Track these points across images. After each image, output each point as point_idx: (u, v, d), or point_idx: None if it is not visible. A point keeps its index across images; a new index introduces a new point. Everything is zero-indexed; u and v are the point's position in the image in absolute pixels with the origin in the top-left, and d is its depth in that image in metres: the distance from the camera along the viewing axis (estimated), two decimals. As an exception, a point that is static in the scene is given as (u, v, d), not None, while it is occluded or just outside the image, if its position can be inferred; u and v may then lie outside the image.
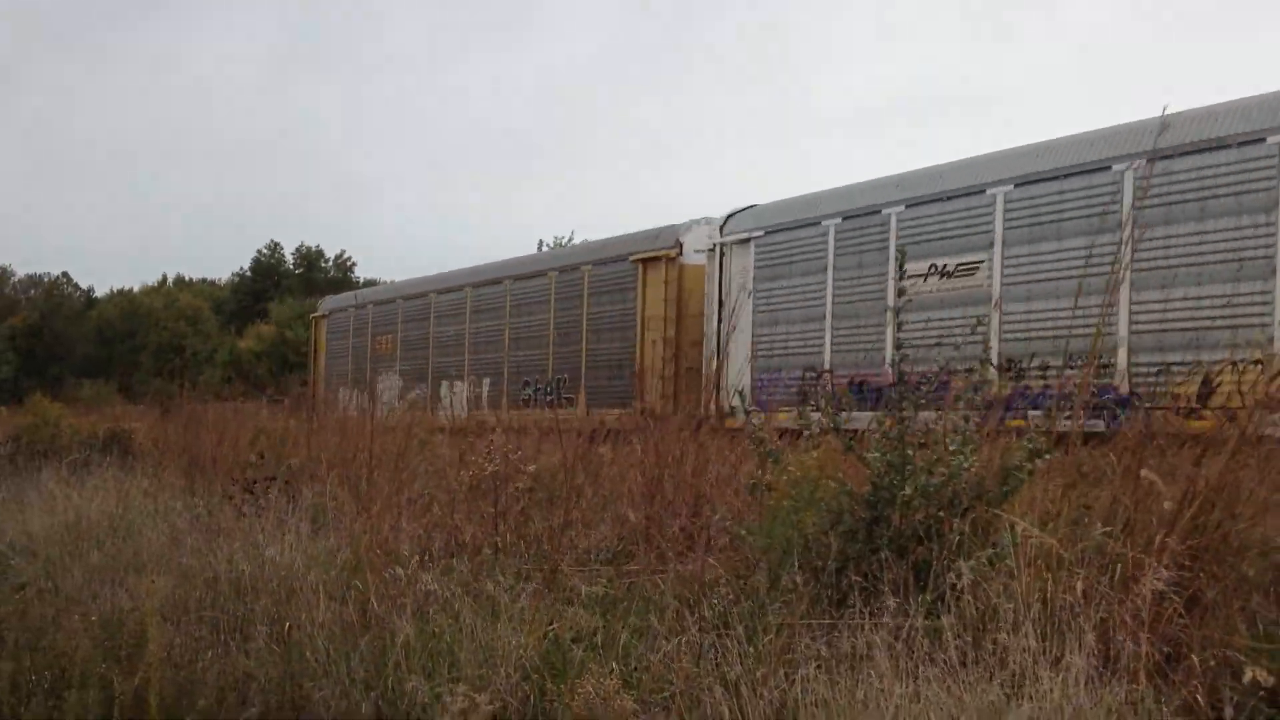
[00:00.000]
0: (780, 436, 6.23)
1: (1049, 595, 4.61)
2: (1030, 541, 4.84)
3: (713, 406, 14.75)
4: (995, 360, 13.64)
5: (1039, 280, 13.90)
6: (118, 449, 15.62)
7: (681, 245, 20.04)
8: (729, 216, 19.04)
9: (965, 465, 5.25)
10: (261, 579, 7.07)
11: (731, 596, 5.56)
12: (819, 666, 4.76)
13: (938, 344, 13.59)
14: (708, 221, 19.74)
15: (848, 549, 5.47)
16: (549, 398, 22.25)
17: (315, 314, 33.56)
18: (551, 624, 5.80)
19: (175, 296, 71.39)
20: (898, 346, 6.10)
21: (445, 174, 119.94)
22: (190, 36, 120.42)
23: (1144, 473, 4.98)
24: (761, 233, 18.22)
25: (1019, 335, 13.97)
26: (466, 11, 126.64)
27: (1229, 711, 4.16)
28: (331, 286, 67.65)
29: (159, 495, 10.68)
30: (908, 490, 5.22)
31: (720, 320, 18.41)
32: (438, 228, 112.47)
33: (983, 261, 14.57)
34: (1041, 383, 13.03)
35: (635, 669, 5.26)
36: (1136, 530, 4.94)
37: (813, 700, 4.61)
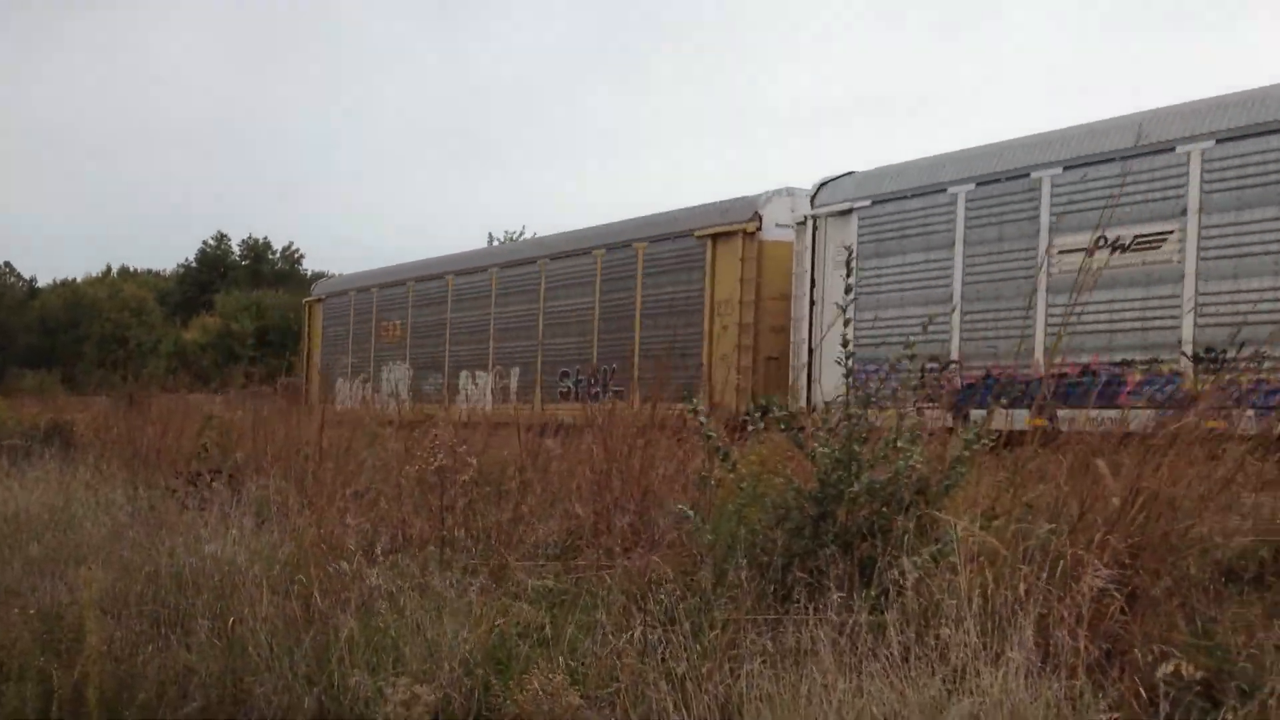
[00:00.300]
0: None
1: (990, 592, 4.66)
2: (972, 538, 4.88)
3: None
4: (1187, 348, 12.21)
5: (1251, 254, 11.81)
6: (59, 440, 15.39)
7: (760, 218, 17.66)
8: (821, 185, 16.78)
9: (910, 462, 5.28)
10: (203, 573, 6.99)
11: (678, 592, 5.57)
12: (764, 662, 4.78)
13: (1108, 330, 12.67)
14: (790, 193, 17.64)
15: (794, 545, 5.49)
16: (593, 389, 19.74)
17: (309, 298, 31.16)
18: (498, 619, 5.78)
19: (119, 287, 70.36)
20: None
21: (397, 168, 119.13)
22: (137, 21, 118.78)
23: (1098, 462, 5.05)
24: (867, 202, 15.97)
25: (1221, 319, 11.92)
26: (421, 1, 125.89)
27: (1164, 707, 4.21)
28: (278, 279, 67.02)
29: (100, 488, 10.53)
30: (856, 487, 5.24)
31: (814, 303, 16.35)
32: (388, 222, 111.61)
33: (1171, 232, 12.48)
34: (1255, 377, 11.24)
35: (581, 664, 5.26)
36: (1080, 528, 5.00)
37: (757, 695, 4.63)
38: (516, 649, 5.53)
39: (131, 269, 79.89)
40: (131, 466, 11.75)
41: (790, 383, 16.21)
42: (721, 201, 18.81)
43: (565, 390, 20.73)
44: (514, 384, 22.04)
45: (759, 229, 17.70)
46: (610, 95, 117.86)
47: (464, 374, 23.45)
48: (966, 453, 5.37)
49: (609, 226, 21.20)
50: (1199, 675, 4.20)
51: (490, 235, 45.42)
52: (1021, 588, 4.64)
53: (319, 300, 30.32)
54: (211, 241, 74.38)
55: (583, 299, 20.87)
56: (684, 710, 4.67)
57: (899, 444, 5.34)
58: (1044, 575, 4.70)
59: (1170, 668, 4.22)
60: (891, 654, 4.56)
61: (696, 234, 18.64)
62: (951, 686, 4.38)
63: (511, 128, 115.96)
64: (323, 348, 29.41)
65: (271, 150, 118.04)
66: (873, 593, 5.02)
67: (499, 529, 7.15)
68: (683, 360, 17.88)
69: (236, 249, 74.64)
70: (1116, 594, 4.67)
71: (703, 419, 5.92)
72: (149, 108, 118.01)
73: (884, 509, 5.34)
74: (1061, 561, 4.76)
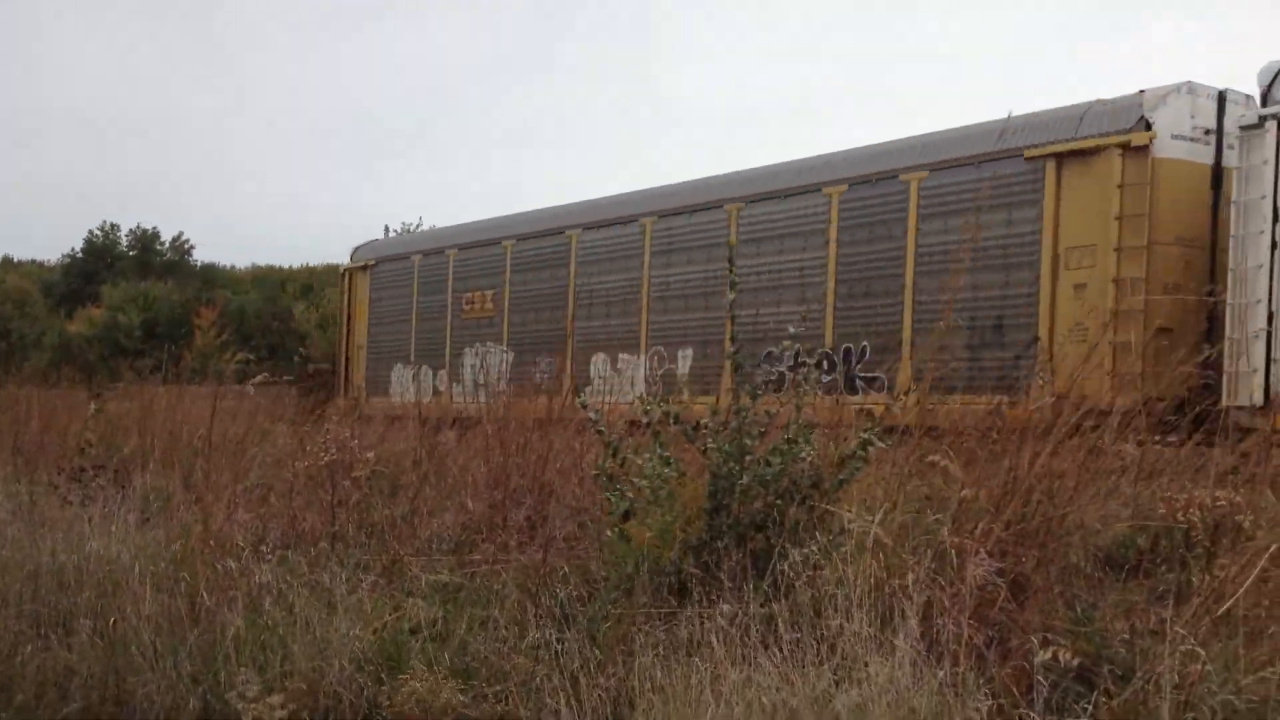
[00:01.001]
0: None
1: (880, 582, 4.73)
2: (861, 530, 4.95)
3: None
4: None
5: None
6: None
7: (1151, 127, 12.57)
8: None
9: (802, 454, 5.34)
10: (85, 571, 6.80)
11: (574, 588, 5.57)
12: (658, 655, 4.80)
13: None
14: (1191, 90, 12.79)
15: (689, 539, 5.51)
16: (826, 376, 14.08)
17: (350, 265, 24.78)
18: (391, 615, 5.72)
19: (1, 278, 68.10)
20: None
21: (293, 158, 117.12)
22: (19, 4, 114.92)
23: (939, 459, 5.16)
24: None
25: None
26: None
27: (1040, 691, 4.31)
28: (167, 270, 65.37)
29: (-22, 484, 10.17)
30: (745, 480, 5.28)
31: (1276, 245, 11.19)
32: (284, 213, 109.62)
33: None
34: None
35: (473, 660, 5.23)
36: (964, 518, 5.10)
37: (650, 688, 4.64)
38: (408, 646, 5.48)
39: (14, 259, 77.36)
40: (14, 462, 11.38)
41: (1225, 365, 11.31)
42: (1069, 107, 13.73)
43: (778, 378, 14.60)
44: (684, 368, 16.95)
45: (1150, 143, 12.55)
46: (518, 89, 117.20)
47: (598, 357, 18.42)
48: (862, 450, 5.44)
49: (848, 154, 16.09)
50: (1075, 661, 4.31)
51: (386, 228, 44.57)
52: (909, 578, 4.72)
53: (364, 267, 24.17)
54: (99, 231, 72.35)
55: (805, 254, 15.58)
56: (576, 705, 4.66)
57: (790, 438, 5.40)
58: (930, 565, 4.79)
59: (1048, 654, 4.33)
60: (782, 645, 4.60)
61: (1028, 154, 13.54)
62: (840, 676, 4.44)
63: (416, 120, 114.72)
64: (370, 326, 23.74)
65: (164, 140, 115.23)
66: (765, 585, 5.07)
67: (393, 524, 7.07)
68: (996, 335, 13.51)
69: (125, 239, 72.71)
70: (1000, 582, 4.77)
71: (593, 414, 5.91)
72: (33, 95, 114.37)
73: (778, 501, 5.40)
74: (947, 551, 4.86)
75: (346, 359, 23.90)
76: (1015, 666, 4.49)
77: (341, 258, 26.35)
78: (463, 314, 21.52)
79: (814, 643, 4.61)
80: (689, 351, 17.02)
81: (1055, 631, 4.72)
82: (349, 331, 24.15)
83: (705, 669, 4.59)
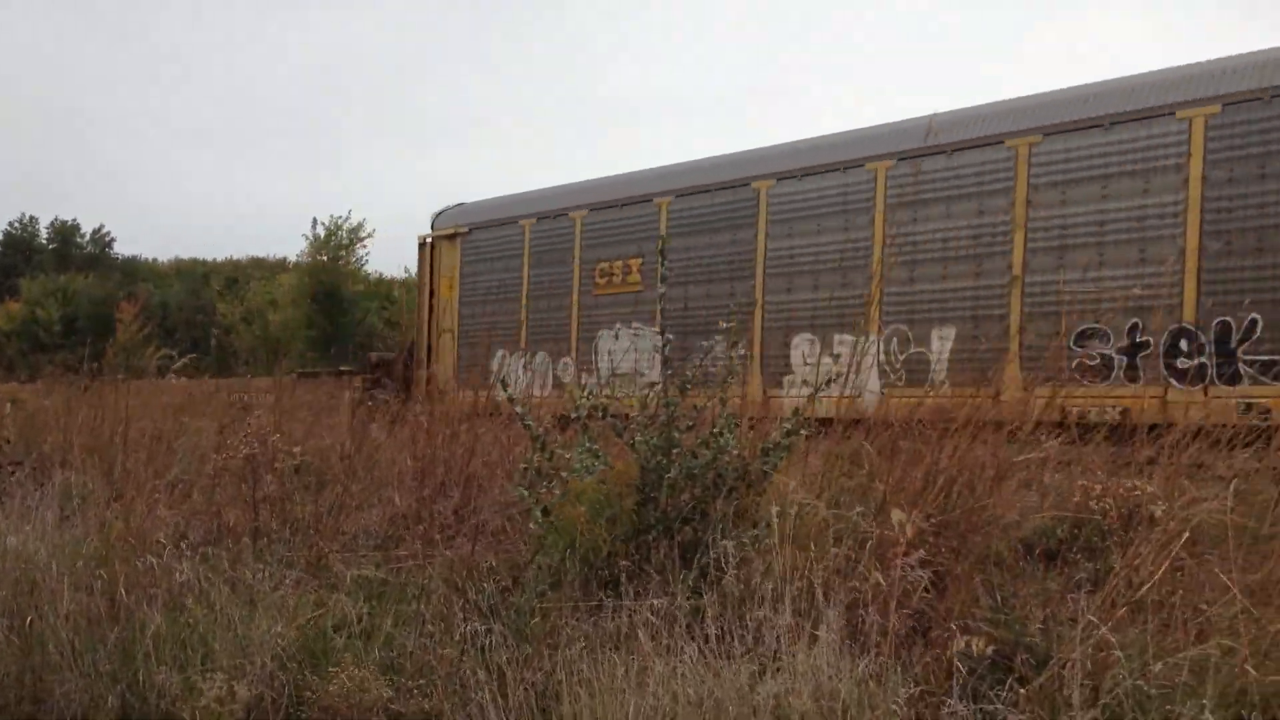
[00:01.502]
0: None
1: (805, 573, 4.78)
2: (788, 521, 5.00)
3: None
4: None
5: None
6: None
7: None
8: None
9: (728, 447, 5.38)
10: (2, 570, 6.67)
11: (501, 582, 5.56)
12: (585, 648, 4.82)
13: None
14: None
15: (618, 532, 5.53)
16: (1184, 360, 11.55)
17: (435, 234, 20.48)
18: (315, 612, 5.68)
19: (-84, 273, 66.37)
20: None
21: (216, 150, 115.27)
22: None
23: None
24: None
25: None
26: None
27: (958, 678, 4.39)
28: (88, 263, 64.06)
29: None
30: (674, 472, 5.32)
31: None
32: (207, 205, 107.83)
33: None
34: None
35: (398, 655, 5.21)
36: (888, 509, 5.17)
37: (577, 680, 4.66)
38: (332, 642, 5.44)
39: (-70, 254, 75.42)
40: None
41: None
42: None
43: (1103, 362, 12.01)
44: (940, 351, 13.50)
45: None
46: (447, 78, 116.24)
47: (800, 339, 14.78)
48: (785, 440, 5.49)
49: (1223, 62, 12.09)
50: (990, 650, 4.39)
51: (315, 220, 43.92)
52: (833, 568, 4.79)
53: (451, 236, 20.04)
54: (16, 224, 70.73)
55: (1147, 198, 12.05)
56: (502, 699, 4.66)
57: (716, 431, 5.44)
58: (854, 556, 4.86)
59: (963, 643, 4.41)
60: (708, 636, 4.64)
61: None
62: (766, 666, 4.49)
63: (340, 111, 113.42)
64: (460, 307, 19.66)
65: (83, 131, 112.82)
66: (692, 577, 5.10)
67: (318, 519, 7.01)
68: None
69: (44, 232, 71.15)
70: (922, 572, 4.84)
71: (519, 409, 5.90)
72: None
73: (705, 494, 5.43)
74: (871, 542, 4.93)
75: (428, 346, 19.88)
76: (935, 655, 4.56)
77: (265, 248, 24.77)
78: (596, 288, 17.38)
79: (740, 634, 4.66)
80: (949, 330, 13.32)
81: (975, 620, 4.80)
82: (431, 312, 20.04)
83: (632, 661, 4.61)
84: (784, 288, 15.04)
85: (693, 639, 4.69)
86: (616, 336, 17.05)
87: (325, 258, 38.42)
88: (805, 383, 11.35)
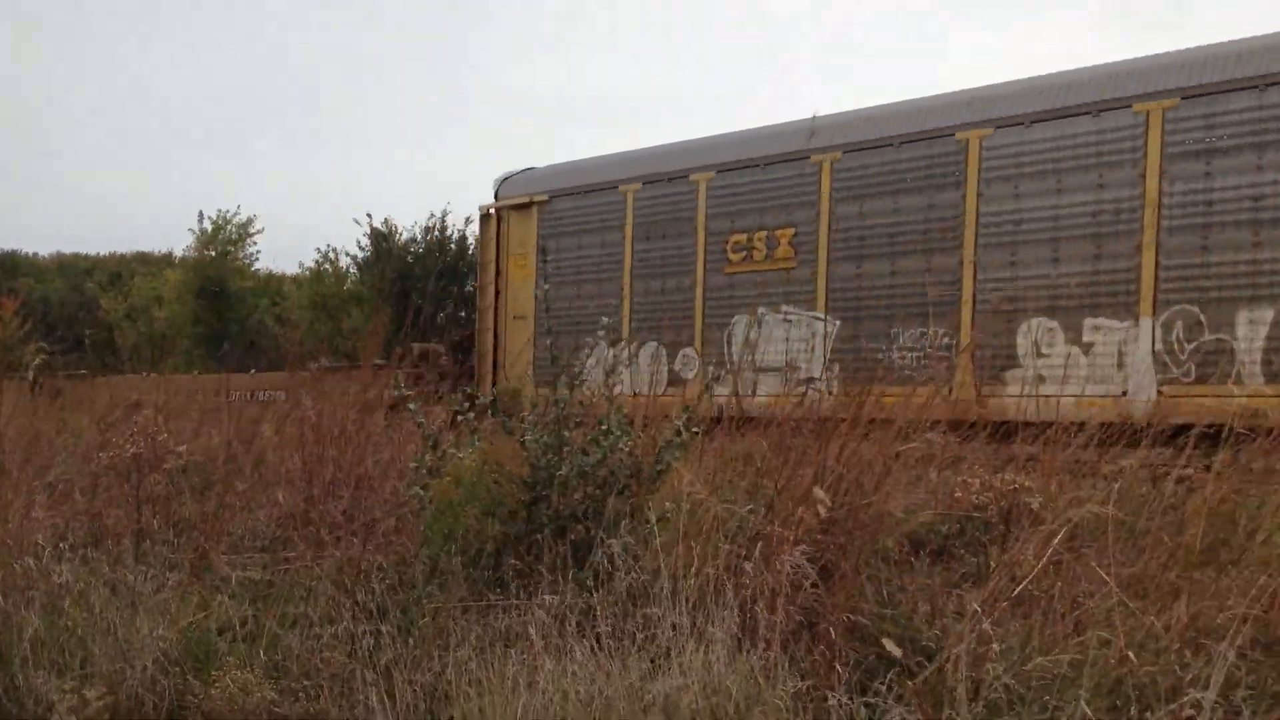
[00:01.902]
0: None
1: (697, 570, 4.81)
2: (680, 518, 5.03)
3: None
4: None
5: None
6: None
7: None
8: None
9: (620, 445, 5.40)
10: None
11: (390, 583, 5.50)
12: (477, 649, 4.79)
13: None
14: None
15: (509, 530, 5.52)
16: None
17: (504, 202, 17.18)
18: (200, 614, 5.56)
19: None
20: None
21: (99, 144, 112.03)
22: None
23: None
24: None
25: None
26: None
27: (844, 672, 4.45)
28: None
29: None
30: (565, 470, 5.31)
31: None
32: (89, 200, 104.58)
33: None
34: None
35: (284, 658, 5.13)
36: (779, 506, 5.23)
37: (467, 680, 4.63)
38: (216, 645, 5.34)
39: None
40: None
41: None
42: None
43: None
44: (1253, 339, 10.78)
45: None
46: (342, 78, 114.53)
47: (1031, 325, 11.86)
48: (678, 438, 5.52)
49: None
50: (891, 649, 4.46)
51: (201, 214, 42.62)
52: (723, 565, 4.82)
53: (525, 205, 16.84)
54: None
55: None
56: (389, 700, 4.62)
57: (606, 428, 5.45)
58: (745, 553, 4.90)
59: (854, 638, 4.48)
60: (599, 635, 4.65)
61: None
62: (658, 664, 4.51)
63: (219, 111, 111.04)
64: (538, 297, 16.46)
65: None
66: (585, 575, 5.10)
67: (203, 519, 6.86)
68: None
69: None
70: (811, 569, 4.90)
71: (411, 405, 5.85)
72: None
73: (598, 492, 5.44)
74: (763, 540, 4.97)
75: (495, 335, 16.88)
76: (823, 650, 4.62)
77: (151, 243, 23.20)
78: (729, 265, 14.49)
79: (631, 632, 4.67)
80: (1264, 313, 10.60)
81: (863, 615, 4.88)
82: (499, 296, 16.93)
83: (523, 661, 4.60)
84: (1005, 261, 12.11)
85: (584, 638, 4.70)
86: (759, 323, 14.07)
87: (213, 253, 37.54)
88: (1041, 378, 10.48)
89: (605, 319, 13.55)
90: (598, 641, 4.66)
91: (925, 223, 12.69)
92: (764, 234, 14.14)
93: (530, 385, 12.34)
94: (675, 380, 14.52)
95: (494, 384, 16.07)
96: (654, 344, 15.07)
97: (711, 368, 13.96)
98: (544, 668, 4.51)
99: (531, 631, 4.75)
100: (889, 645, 4.43)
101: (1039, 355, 11.69)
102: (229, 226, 38.02)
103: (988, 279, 12.19)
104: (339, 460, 6.72)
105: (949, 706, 4.22)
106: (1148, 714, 3.96)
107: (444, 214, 28.21)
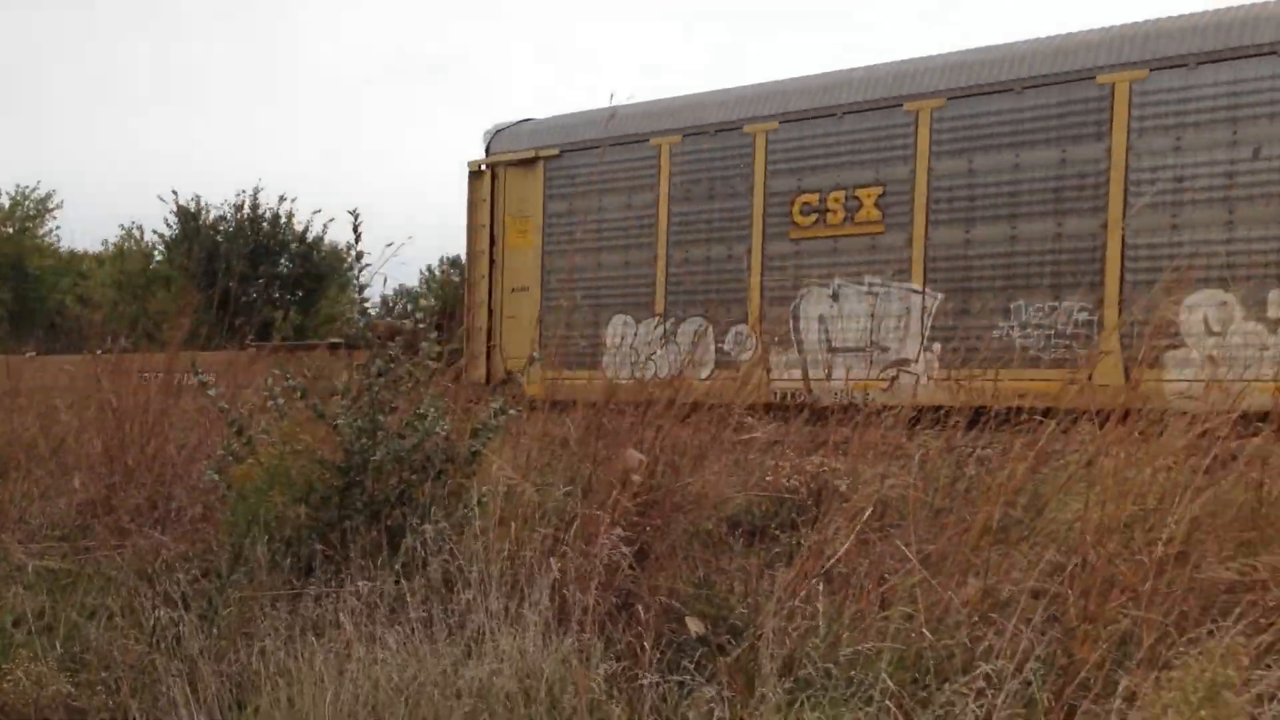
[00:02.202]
0: None
1: (511, 555, 4.80)
2: (497, 503, 5.02)
3: None
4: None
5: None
6: None
7: None
8: None
9: (436, 429, 5.34)
10: None
11: (194, 572, 5.34)
12: (283, 637, 4.69)
13: None
14: None
15: (321, 517, 5.41)
16: None
17: (498, 158, 15.04)
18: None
19: None
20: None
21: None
22: None
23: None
24: None
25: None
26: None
27: (657, 653, 4.51)
28: None
29: None
30: (379, 455, 5.23)
31: None
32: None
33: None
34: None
35: (83, 650, 4.93)
36: (596, 489, 5.26)
37: (275, 670, 4.52)
38: (12, 638, 5.10)
39: None
40: None
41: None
42: None
43: None
44: None
45: None
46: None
47: (1200, 297, 10.27)
48: (494, 421, 5.50)
49: None
50: (691, 625, 4.53)
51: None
52: (539, 549, 4.83)
53: (531, 161, 14.64)
54: None
55: None
56: (194, 692, 4.48)
57: (422, 412, 5.38)
58: (561, 536, 4.91)
59: (692, 627, 4.53)
60: (410, 621, 4.60)
61: None
62: (472, 649, 4.49)
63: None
64: (545, 257, 14.39)
65: None
66: (398, 561, 5.04)
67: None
68: None
69: None
70: (627, 551, 4.95)
71: (210, 391, 5.68)
72: None
73: (413, 477, 5.37)
74: (578, 522, 4.99)
75: (490, 312, 14.63)
76: (638, 632, 4.67)
77: None
78: (795, 229, 12.48)
79: (445, 618, 4.64)
80: None
81: (680, 597, 4.95)
82: (493, 265, 14.70)
83: (335, 649, 4.52)
84: (1165, 223, 10.50)
85: (397, 625, 4.64)
86: (835, 296, 12.10)
87: (11, 230, 35.72)
88: (1212, 360, 8.79)
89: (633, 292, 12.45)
90: (412, 629, 4.61)
91: (1057, 180, 10.97)
92: (841, 194, 12.20)
93: (538, 368, 10.75)
94: (725, 362, 12.51)
95: (488, 366, 14.14)
96: (697, 320, 13.10)
97: (773, 348, 12.20)
98: (355, 656, 4.43)
99: (344, 619, 4.67)
100: (692, 624, 4.49)
101: (1210, 334, 10.13)
102: (27, 203, 36.21)
103: (1139, 245, 10.59)
104: (142, 444, 6.48)
105: (760, 685, 4.31)
106: (946, 685, 4.11)
107: (255, 191, 27.40)
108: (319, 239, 28.35)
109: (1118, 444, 4.96)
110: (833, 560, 4.92)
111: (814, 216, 12.36)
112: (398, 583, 4.90)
